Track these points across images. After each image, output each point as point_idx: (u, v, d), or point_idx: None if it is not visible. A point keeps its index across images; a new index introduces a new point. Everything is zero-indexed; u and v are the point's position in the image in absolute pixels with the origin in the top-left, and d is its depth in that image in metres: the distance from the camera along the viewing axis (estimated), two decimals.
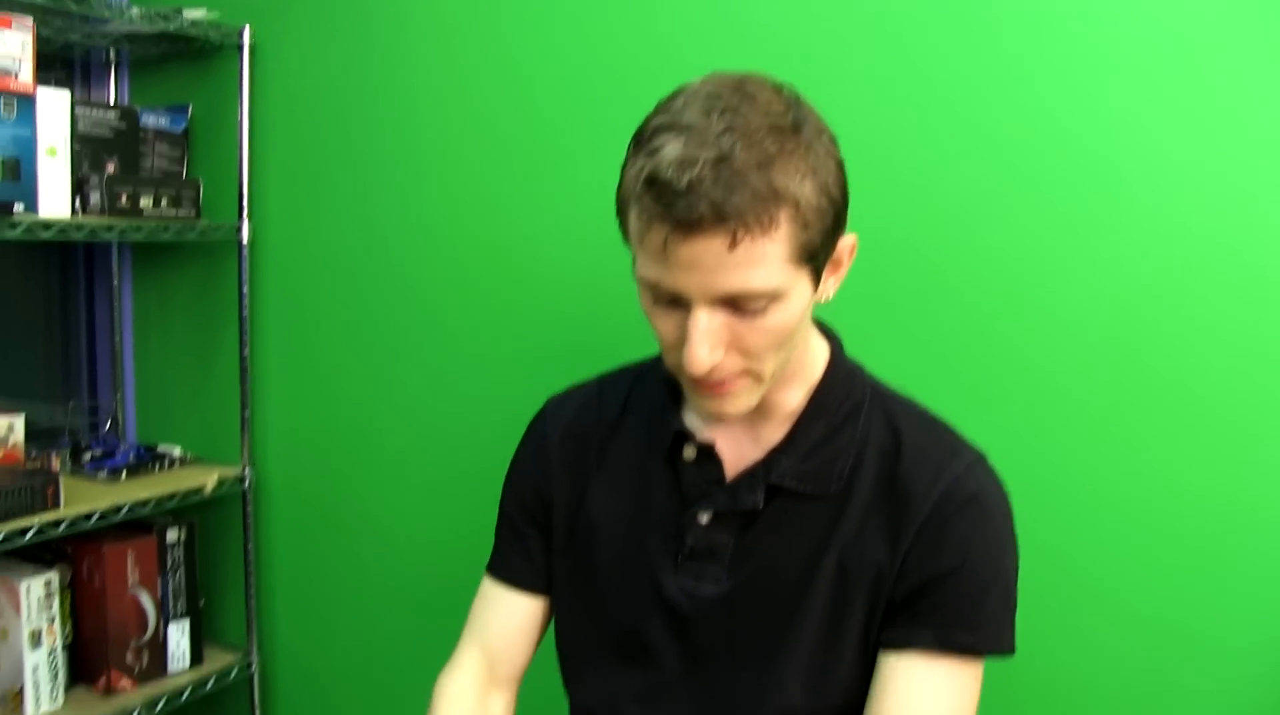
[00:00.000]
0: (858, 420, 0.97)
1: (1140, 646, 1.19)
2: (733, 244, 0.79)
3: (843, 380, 0.98)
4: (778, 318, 0.85)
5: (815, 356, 0.98)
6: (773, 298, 0.83)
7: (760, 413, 0.96)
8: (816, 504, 0.95)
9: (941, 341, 1.26)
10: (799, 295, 0.85)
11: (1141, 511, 1.18)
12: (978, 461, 0.95)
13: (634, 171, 0.83)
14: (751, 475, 0.96)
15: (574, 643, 1.07)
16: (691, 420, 1.01)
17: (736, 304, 0.83)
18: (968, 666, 0.92)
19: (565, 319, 1.51)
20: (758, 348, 0.86)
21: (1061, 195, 1.19)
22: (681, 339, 0.85)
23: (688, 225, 0.79)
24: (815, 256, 0.85)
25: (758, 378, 0.89)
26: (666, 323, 0.87)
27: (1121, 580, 1.19)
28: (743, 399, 0.89)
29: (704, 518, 0.97)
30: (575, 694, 1.08)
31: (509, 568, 1.10)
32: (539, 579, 1.09)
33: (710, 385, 0.88)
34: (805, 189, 0.81)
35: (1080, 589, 1.21)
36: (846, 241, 0.90)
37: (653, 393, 1.04)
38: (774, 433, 0.97)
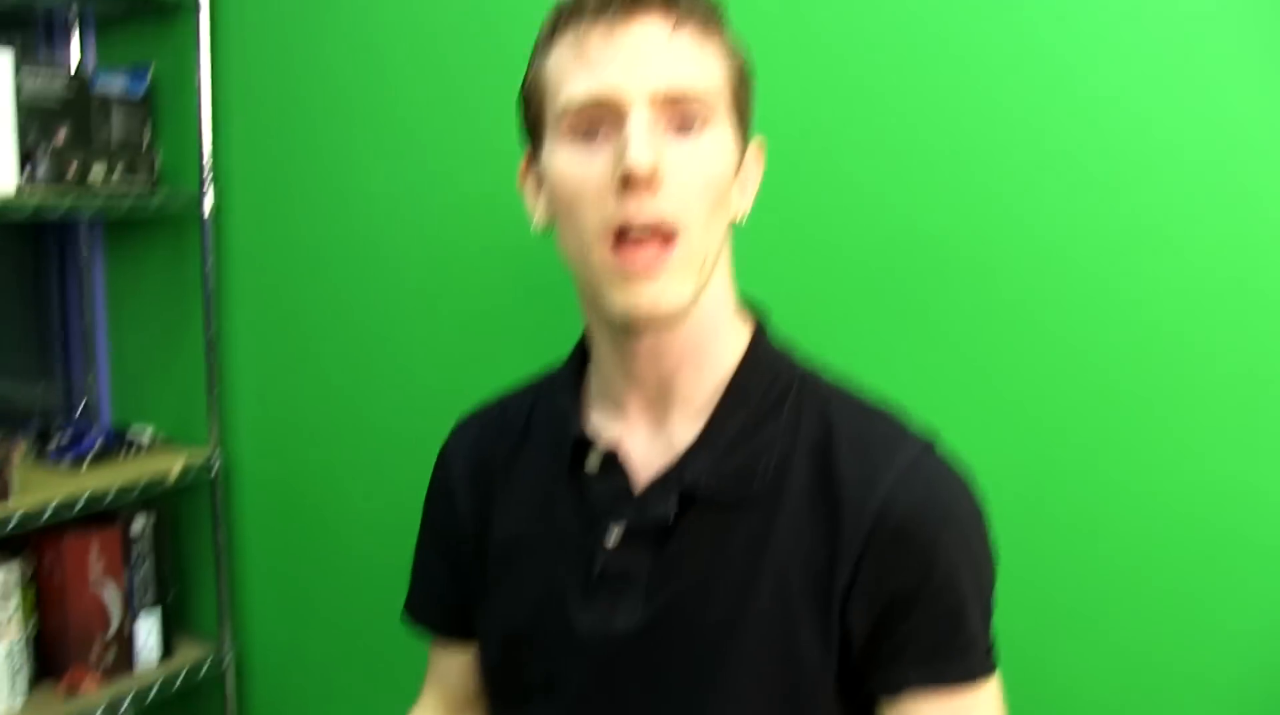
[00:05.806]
0: (781, 409, 0.83)
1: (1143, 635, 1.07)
2: (677, 24, 0.78)
3: (766, 365, 0.86)
4: (710, 150, 0.80)
5: (731, 338, 0.86)
6: (709, 113, 0.79)
7: (669, 403, 0.84)
8: (742, 513, 0.82)
9: (937, 331, 1.14)
10: (728, 142, 0.82)
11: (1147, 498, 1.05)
12: (925, 450, 0.82)
13: (550, 20, 0.83)
14: (663, 481, 0.83)
15: (490, 684, 0.97)
16: (597, 421, 0.88)
17: (674, 105, 0.78)
18: (977, 690, 0.80)
19: (555, 296, 1.40)
20: (687, 187, 0.77)
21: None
22: (608, 182, 0.76)
23: (629, 5, 0.78)
24: (743, 114, 0.84)
25: (686, 251, 0.77)
26: (593, 161, 0.78)
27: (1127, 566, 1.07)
28: (675, 284, 0.78)
29: (612, 538, 0.84)
30: None
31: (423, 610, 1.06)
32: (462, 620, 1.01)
33: (638, 266, 0.77)
34: (736, 44, 0.84)
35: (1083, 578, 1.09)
36: (757, 141, 0.87)
37: (555, 400, 0.92)
38: (687, 431, 0.84)
